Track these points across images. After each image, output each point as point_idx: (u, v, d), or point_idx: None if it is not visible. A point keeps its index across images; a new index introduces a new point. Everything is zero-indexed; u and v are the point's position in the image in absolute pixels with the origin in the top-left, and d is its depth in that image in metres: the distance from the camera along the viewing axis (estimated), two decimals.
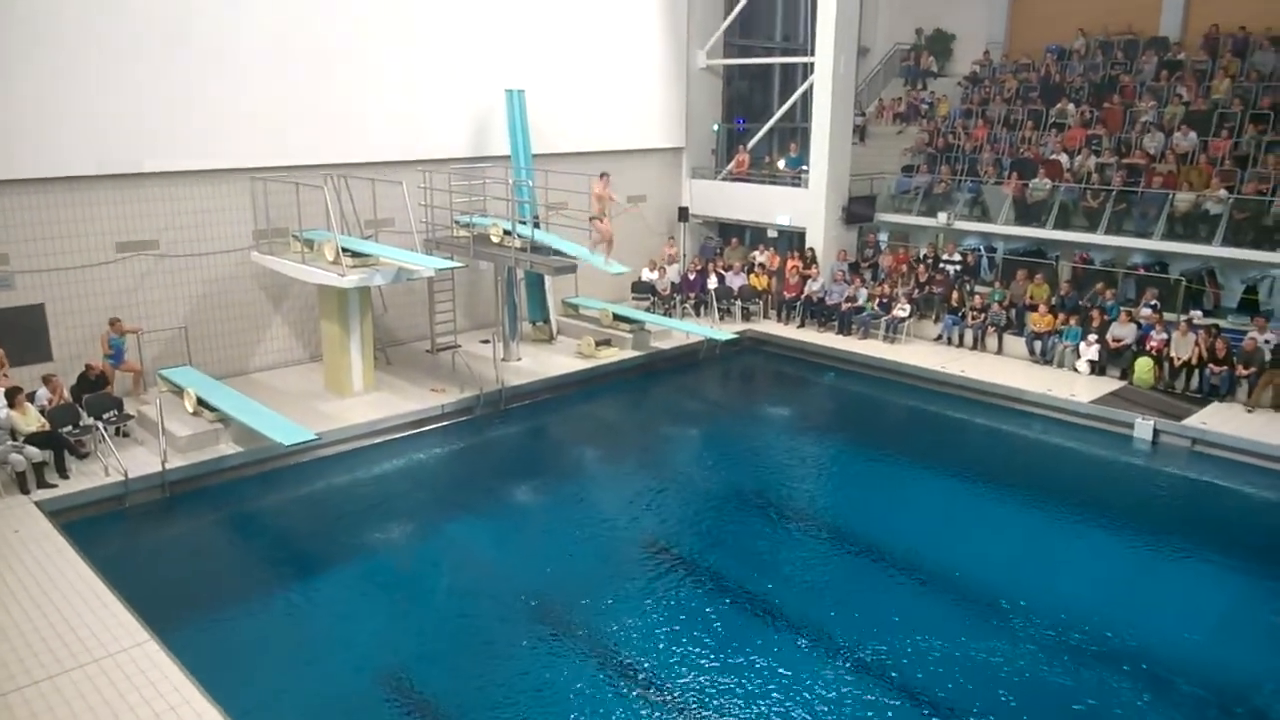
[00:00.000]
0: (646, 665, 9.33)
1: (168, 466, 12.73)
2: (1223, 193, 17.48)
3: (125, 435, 13.71)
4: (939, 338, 19.09)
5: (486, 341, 18.22)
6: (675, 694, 8.90)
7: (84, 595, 9.84)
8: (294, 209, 15.21)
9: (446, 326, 18.07)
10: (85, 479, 12.45)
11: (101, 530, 11.83)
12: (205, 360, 16.02)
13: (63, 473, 12.39)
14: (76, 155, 14.36)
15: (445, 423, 15.53)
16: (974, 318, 18.66)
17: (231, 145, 15.78)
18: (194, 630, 9.78)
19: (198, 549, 11.98)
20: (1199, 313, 17.05)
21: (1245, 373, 15.42)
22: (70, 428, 12.95)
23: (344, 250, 14.40)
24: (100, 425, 13.01)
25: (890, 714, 8.63)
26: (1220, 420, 14.86)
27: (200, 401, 13.84)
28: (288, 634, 10.05)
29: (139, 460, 12.90)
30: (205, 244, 15.95)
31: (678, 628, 9.95)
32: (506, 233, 16.34)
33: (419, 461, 14.53)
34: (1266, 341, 15.59)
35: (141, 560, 11.54)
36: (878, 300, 19.71)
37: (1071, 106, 21.88)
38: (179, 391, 14.41)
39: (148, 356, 15.41)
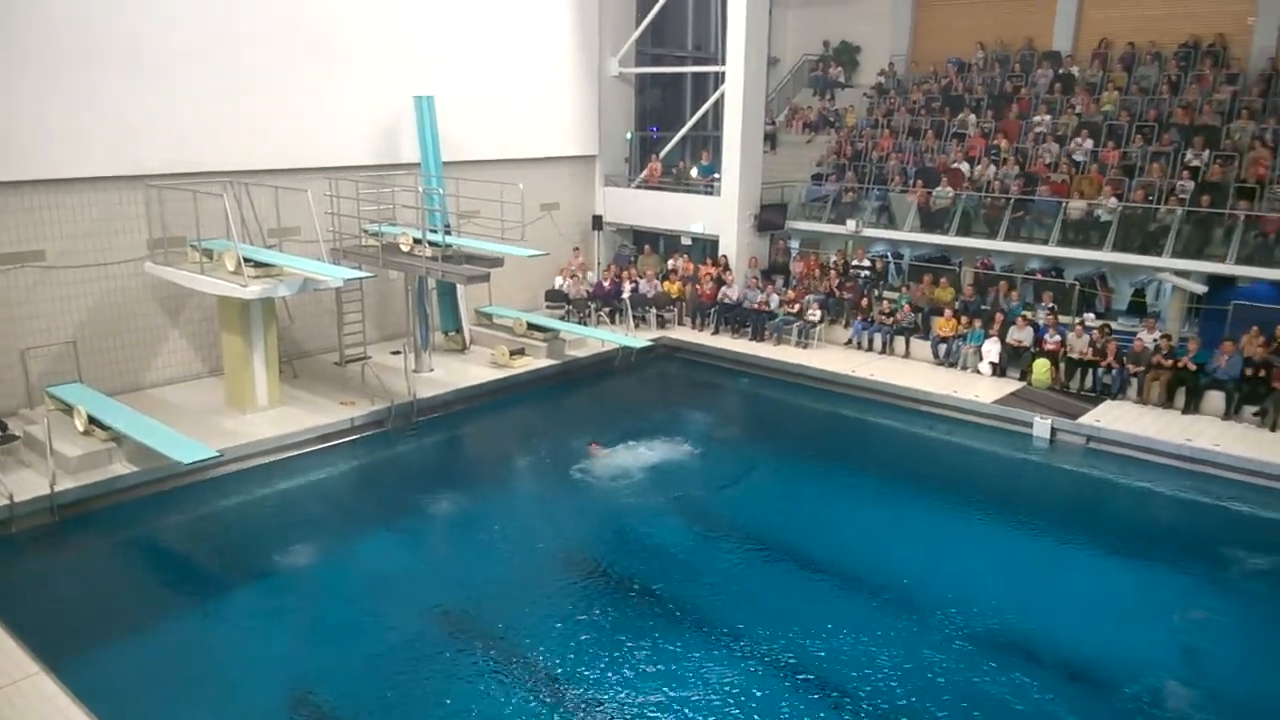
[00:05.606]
0: (568, 678, 9.20)
1: (57, 489, 12.14)
2: (1113, 201, 18.17)
3: (9, 456, 13.04)
4: (849, 342, 19.41)
5: (398, 353, 17.84)
6: (599, 705, 8.81)
7: None
8: (192, 217, 14.65)
9: (355, 338, 17.69)
10: None
11: None
12: (97, 376, 15.34)
13: None
14: None
15: (355, 436, 15.17)
16: (883, 322, 19.03)
17: (123, 151, 15.17)
18: (88, 661, 9.35)
19: (90, 575, 11.47)
20: (1092, 315, 17.68)
21: (1135, 370, 16.05)
22: None
23: (246, 260, 13.97)
24: None
25: (819, 712, 8.71)
26: (1113, 418, 15.41)
27: (92, 419, 13.26)
28: (189, 661, 9.64)
29: (25, 483, 12.30)
30: (96, 254, 15.31)
31: (598, 638, 9.85)
32: (417, 241, 16.04)
33: (327, 477, 14.16)
34: (1154, 341, 16.25)
35: (30, 588, 10.96)
36: (790, 306, 19.94)
37: (972, 117, 22.49)
38: (68, 409, 13.77)
39: (34, 372, 14.72)
